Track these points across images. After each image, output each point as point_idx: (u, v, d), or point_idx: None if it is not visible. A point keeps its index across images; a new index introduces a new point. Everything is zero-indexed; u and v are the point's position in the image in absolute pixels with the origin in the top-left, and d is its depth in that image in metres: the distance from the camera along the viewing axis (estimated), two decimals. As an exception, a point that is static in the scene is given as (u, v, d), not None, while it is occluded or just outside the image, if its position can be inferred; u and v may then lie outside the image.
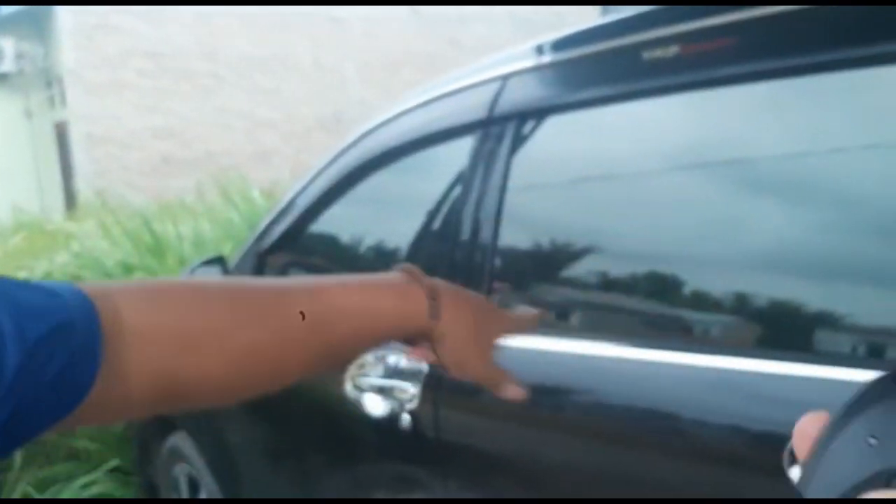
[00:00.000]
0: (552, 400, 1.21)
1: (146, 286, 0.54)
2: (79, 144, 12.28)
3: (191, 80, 13.04)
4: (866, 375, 0.72)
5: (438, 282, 0.65)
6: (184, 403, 0.55)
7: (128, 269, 3.78)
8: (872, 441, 0.18)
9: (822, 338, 1.00)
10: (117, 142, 12.34)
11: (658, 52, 1.15)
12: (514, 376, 0.68)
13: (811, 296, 1.01)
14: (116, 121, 12.34)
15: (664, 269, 1.17)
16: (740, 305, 1.09)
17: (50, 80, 12.74)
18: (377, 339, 0.63)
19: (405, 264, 0.66)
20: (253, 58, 13.27)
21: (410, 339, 0.64)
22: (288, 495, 1.89)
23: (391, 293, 0.63)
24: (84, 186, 11.14)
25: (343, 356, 0.64)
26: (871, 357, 0.94)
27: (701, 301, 1.12)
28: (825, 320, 1.01)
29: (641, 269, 1.21)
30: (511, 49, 1.47)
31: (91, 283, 0.49)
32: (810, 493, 0.18)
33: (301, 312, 0.57)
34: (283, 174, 7.16)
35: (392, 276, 0.65)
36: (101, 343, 0.46)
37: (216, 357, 0.53)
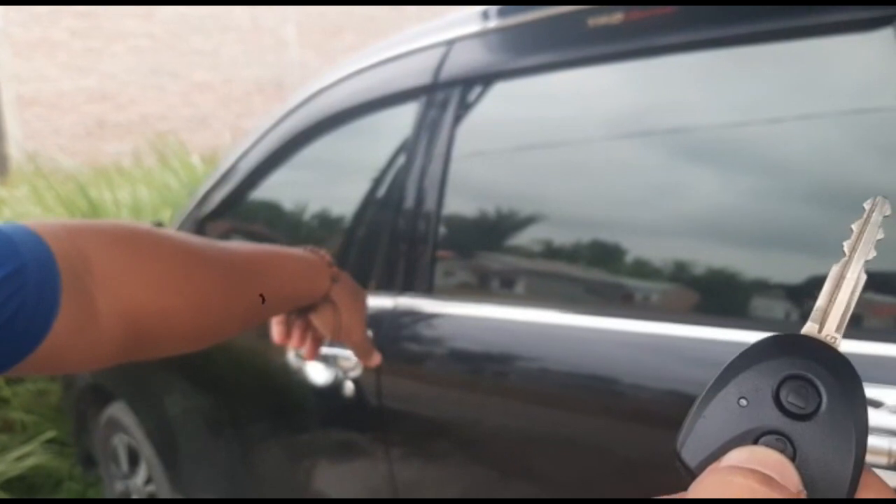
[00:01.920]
0: (495, 367, 1.22)
1: (109, 228, 0.55)
2: (8, 107, 11.82)
3: (124, 41, 12.64)
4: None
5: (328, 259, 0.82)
6: (151, 348, 0.56)
7: (62, 235, 3.67)
8: (743, 402, 0.19)
9: (757, 304, 1.03)
10: (48, 104, 11.93)
11: (602, 19, 1.15)
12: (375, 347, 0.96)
13: (749, 263, 1.04)
14: (47, 82, 11.92)
15: (607, 236, 1.19)
16: (681, 272, 1.11)
17: (-24, 39, 12.19)
18: (297, 297, 0.77)
19: (310, 247, 0.82)
20: (189, 17, 12.91)
21: (314, 304, 0.80)
22: (228, 464, 1.88)
23: (304, 261, 0.78)
24: (15, 151, 10.76)
25: (269, 310, 0.73)
26: (804, 323, 0.97)
27: (642, 268, 1.14)
28: (760, 287, 1.03)
29: (585, 236, 1.22)
30: (456, 13, 1.46)
31: (49, 223, 0.49)
32: (686, 453, 0.19)
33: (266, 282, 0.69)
34: (222, 139, 7.01)
35: (301, 251, 0.80)
36: (60, 287, 0.46)
37: (176, 298, 0.55)
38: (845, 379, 0.19)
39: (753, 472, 0.18)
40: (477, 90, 1.37)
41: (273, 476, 1.70)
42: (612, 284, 1.18)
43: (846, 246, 0.21)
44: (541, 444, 1.14)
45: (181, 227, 2.00)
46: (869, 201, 0.21)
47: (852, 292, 0.21)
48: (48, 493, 2.70)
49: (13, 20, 11.66)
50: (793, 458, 0.18)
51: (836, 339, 0.20)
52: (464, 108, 1.36)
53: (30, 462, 2.61)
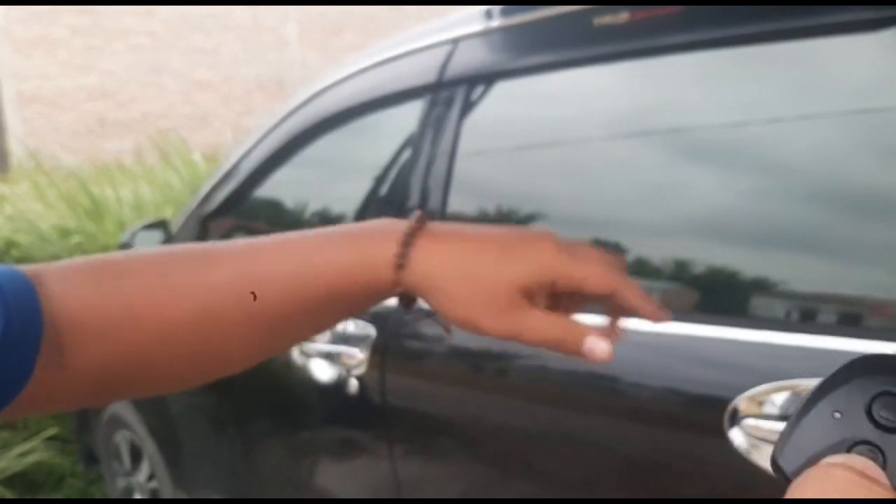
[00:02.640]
0: (497, 365, 1.23)
1: (72, 269, 0.48)
2: (8, 104, 11.82)
3: (125, 39, 12.63)
4: (800, 340, 0.73)
5: (433, 225, 0.49)
6: (126, 391, 0.51)
7: (64, 232, 3.67)
8: (837, 415, 0.21)
9: (757, 303, 1.03)
10: (49, 102, 11.92)
11: (608, 19, 1.15)
12: (580, 325, 0.48)
13: (749, 262, 1.04)
14: (47, 80, 11.91)
15: (613, 234, 1.19)
16: (682, 271, 1.11)
17: (-24, 37, 12.19)
18: (321, 304, 0.49)
19: (418, 211, 0.51)
20: (190, 16, 12.90)
21: (400, 298, 0.50)
22: (230, 461, 1.88)
23: (342, 244, 0.49)
24: (16, 147, 10.76)
25: (283, 330, 0.50)
26: (803, 322, 0.97)
27: (644, 267, 1.14)
28: (760, 286, 1.04)
29: (590, 234, 1.23)
30: (461, 12, 1.46)
31: (46, 271, 0.46)
32: (783, 459, 0.21)
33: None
34: (223, 137, 7.02)
35: (366, 224, 0.51)
36: (41, 337, 0.43)
37: (132, 341, 0.46)
38: None
39: (852, 467, 0.20)
40: (481, 89, 1.38)
41: (276, 473, 1.71)
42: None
43: None
44: (543, 442, 1.14)
45: (184, 226, 2.01)
46: None
47: None
48: (50, 489, 2.71)
49: (13, 17, 11.66)
50: (883, 467, 0.20)
51: None
52: (468, 106, 1.37)
53: (32, 459, 2.61)
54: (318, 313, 0.50)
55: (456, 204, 1.38)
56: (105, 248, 3.37)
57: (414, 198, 1.41)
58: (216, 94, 13.09)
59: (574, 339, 0.47)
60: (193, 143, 6.24)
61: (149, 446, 2.12)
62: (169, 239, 1.91)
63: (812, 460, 0.20)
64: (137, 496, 2.25)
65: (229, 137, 6.38)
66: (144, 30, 12.67)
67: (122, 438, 2.28)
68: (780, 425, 0.87)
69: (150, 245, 1.86)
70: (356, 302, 0.50)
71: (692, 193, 1.11)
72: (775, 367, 0.92)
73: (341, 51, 11.95)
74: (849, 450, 0.21)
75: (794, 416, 0.22)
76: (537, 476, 1.16)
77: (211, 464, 1.97)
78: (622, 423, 1.06)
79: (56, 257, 3.57)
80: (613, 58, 1.19)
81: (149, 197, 4.09)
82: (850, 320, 0.96)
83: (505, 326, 0.47)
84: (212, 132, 10.59)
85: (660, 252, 1.13)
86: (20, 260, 3.33)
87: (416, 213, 0.49)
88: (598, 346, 0.46)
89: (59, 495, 2.68)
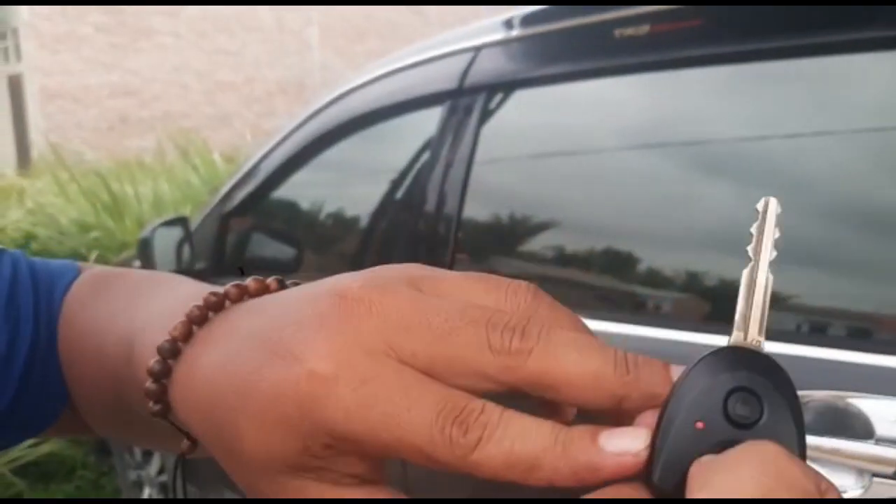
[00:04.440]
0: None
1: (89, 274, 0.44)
2: (32, 99, 11.96)
3: (149, 38, 12.76)
4: (808, 352, 0.75)
5: (235, 309, 0.29)
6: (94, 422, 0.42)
7: (84, 227, 3.72)
8: (699, 426, 0.21)
9: (769, 316, 1.04)
10: (72, 97, 12.05)
11: (629, 31, 1.17)
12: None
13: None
14: (71, 76, 12.04)
15: (628, 245, 1.20)
16: (694, 282, 1.12)
17: (4, 32, 12.36)
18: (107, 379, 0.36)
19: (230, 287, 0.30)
20: (214, 17, 13.01)
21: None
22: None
23: (157, 305, 0.34)
24: (38, 142, 10.89)
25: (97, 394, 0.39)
26: (813, 334, 0.98)
27: (658, 277, 1.15)
28: (773, 300, 1.05)
29: (606, 244, 1.24)
30: (483, 21, 1.48)
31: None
32: (662, 480, 0.21)
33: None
34: (243, 138, 7.08)
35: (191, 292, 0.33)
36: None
37: (87, 361, 0.39)
38: (778, 380, 0.21)
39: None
40: (501, 97, 1.39)
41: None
42: (625, 292, 1.20)
43: (750, 250, 0.22)
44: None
45: (203, 223, 2.03)
46: (761, 202, 0.23)
47: (765, 294, 0.22)
48: (61, 480, 2.74)
49: (39, 13, 11.80)
50: None
51: (760, 342, 0.22)
52: (488, 114, 1.38)
53: (44, 449, 2.64)
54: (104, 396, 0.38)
55: (472, 209, 1.39)
56: (123, 245, 3.41)
57: (431, 202, 1.43)
58: (238, 95, 13.19)
59: None
60: (214, 143, 6.29)
61: (160, 440, 2.14)
62: (188, 235, 1.94)
63: (685, 472, 0.20)
64: (147, 490, 2.28)
65: (248, 138, 6.43)
66: (169, 30, 12.79)
67: (134, 431, 2.30)
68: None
69: (168, 240, 1.89)
70: (130, 395, 0.33)
71: (706, 205, 1.12)
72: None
73: (363, 56, 12.02)
74: (720, 450, 0.21)
75: (659, 434, 0.21)
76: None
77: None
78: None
79: (75, 251, 3.61)
80: (633, 69, 1.21)
81: (168, 195, 4.14)
82: (859, 334, 0.96)
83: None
84: (232, 132, 10.67)
85: (672, 263, 1.14)
86: (38, 253, 3.37)
87: (225, 288, 0.29)
88: None
89: (69, 486, 2.71)
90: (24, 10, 11.77)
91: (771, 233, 0.23)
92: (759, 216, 0.23)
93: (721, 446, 0.20)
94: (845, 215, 1.01)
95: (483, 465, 0.22)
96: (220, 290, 0.29)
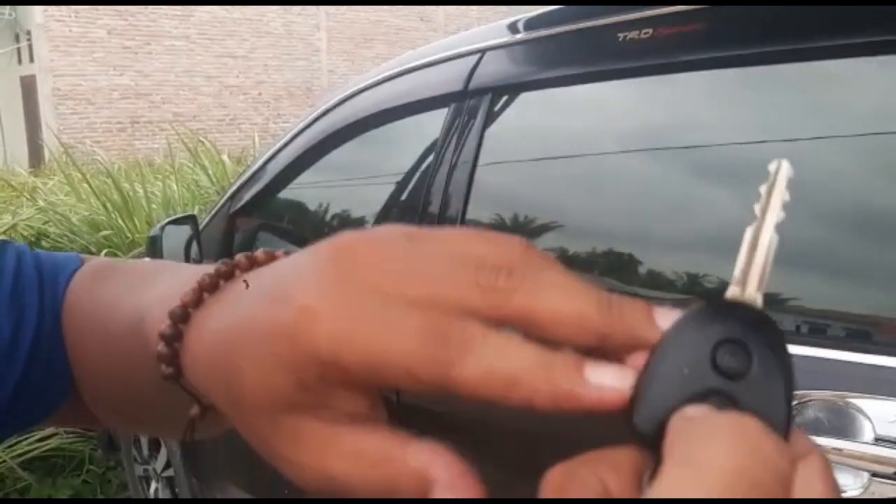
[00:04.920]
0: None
1: (90, 265, 0.45)
2: (45, 100, 12.04)
3: (161, 42, 12.82)
4: (808, 352, 0.75)
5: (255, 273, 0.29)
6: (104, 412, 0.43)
7: (94, 226, 3.75)
8: (685, 370, 0.21)
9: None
10: (84, 99, 12.11)
11: (633, 34, 1.18)
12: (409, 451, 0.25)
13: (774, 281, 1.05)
14: (84, 78, 12.11)
15: (630, 247, 1.21)
16: (694, 286, 1.13)
17: (17, 34, 12.44)
18: (121, 349, 0.37)
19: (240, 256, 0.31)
20: (224, 21, 13.07)
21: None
22: (247, 453, 1.92)
23: (175, 279, 0.35)
24: (50, 142, 10.99)
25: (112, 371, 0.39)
26: (812, 335, 0.99)
27: (659, 280, 1.16)
28: (772, 303, 1.05)
29: (608, 246, 1.25)
30: (488, 25, 1.50)
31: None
32: (640, 420, 0.21)
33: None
34: (252, 141, 7.12)
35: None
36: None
37: (92, 345, 0.40)
38: (770, 335, 0.21)
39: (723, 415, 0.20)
40: (505, 100, 1.40)
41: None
42: (626, 294, 1.21)
43: (757, 209, 0.22)
44: (552, 444, 1.16)
45: (211, 222, 2.05)
46: (773, 163, 0.23)
47: (767, 253, 0.22)
48: (68, 474, 2.76)
49: (52, 15, 11.88)
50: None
51: (757, 298, 0.22)
52: (492, 116, 1.40)
53: (52, 444, 2.67)
54: (120, 364, 0.37)
55: (476, 211, 1.40)
56: (133, 243, 3.44)
57: (435, 204, 1.44)
58: (246, 98, 13.24)
59: (391, 478, 0.24)
60: (222, 145, 6.33)
61: (166, 436, 2.16)
62: (196, 233, 1.96)
63: (669, 413, 0.20)
64: (153, 484, 2.29)
65: (257, 140, 6.46)
66: (180, 33, 12.86)
67: (140, 428, 2.32)
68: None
69: (177, 238, 1.90)
70: (140, 369, 0.34)
71: (708, 208, 1.13)
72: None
73: (370, 60, 12.06)
74: (702, 400, 0.21)
75: (644, 377, 0.21)
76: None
77: (227, 454, 2.01)
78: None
79: (85, 249, 3.62)
80: (636, 73, 1.22)
81: (177, 195, 4.16)
82: (856, 335, 0.97)
83: (285, 458, 0.26)
84: (241, 135, 10.72)
85: (673, 265, 1.15)
86: (49, 251, 3.40)
87: (236, 258, 0.31)
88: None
89: (76, 481, 2.73)
90: (37, 13, 11.85)
91: (780, 194, 0.23)
92: (771, 177, 0.23)
93: (706, 395, 0.20)
94: (845, 219, 1.02)
95: (463, 381, 0.22)
96: (230, 261, 0.30)
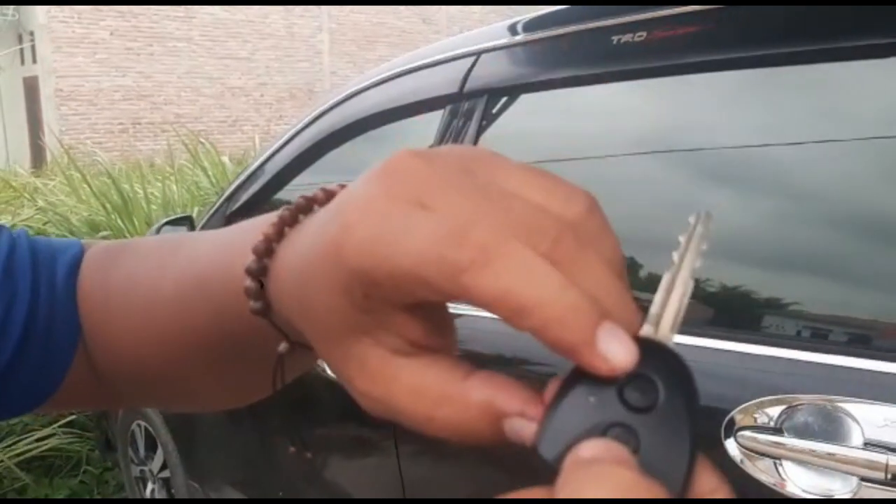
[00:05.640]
0: (506, 369, 1.25)
1: (101, 246, 0.45)
2: (47, 100, 12.06)
3: (163, 43, 12.85)
4: (812, 357, 0.75)
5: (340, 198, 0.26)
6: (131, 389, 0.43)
7: (94, 226, 3.76)
8: (592, 399, 0.21)
9: (770, 321, 1.04)
10: (85, 100, 12.14)
11: (627, 37, 1.18)
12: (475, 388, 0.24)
13: (764, 282, 1.05)
14: (86, 79, 12.14)
15: (627, 250, 1.21)
16: (696, 289, 1.13)
17: (20, 34, 12.47)
18: (190, 295, 0.37)
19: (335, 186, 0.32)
20: (227, 23, 13.09)
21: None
22: (243, 454, 1.92)
23: (243, 230, 0.35)
24: (52, 143, 11.01)
25: (181, 319, 0.37)
26: (813, 339, 0.98)
27: (658, 282, 1.16)
28: (773, 305, 1.05)
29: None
30: (484, 28, 1.50)
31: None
32: (544, 447, 0.21)
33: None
34: (253, 142, 7.13)
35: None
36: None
37: (126, 318, 0.41)
38: (679, 374, 0.21)
39: (604, 459, 0.20)
40: (500, 101, 1.41)
41: (286, 465, 1.74)
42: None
43: (675, 256, 0.23)
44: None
45: (208, 222, 2.06)
46: (693, 216, 0.24)
47: (682, 297, 0.23)
48: (66, 474, 2.76)
49: (55, 16, 11.91)
50: (636, 449, 0.21)
51: (670, 338, 0.22)
52: (487, 118, 1.40)
53: (50, 444, 2.67)
54: (191, 310, 0.37)
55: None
56: (132, 244, 3.44)
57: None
58: (248, 99, 13.25)
59: (456, 416, 0.23)
60: (224, 147, 6.34)
61: (163, 436, 2.16)
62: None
63: (571, 446, 0.21)
64: (150, 485, 2.30)
65: (258, 142, 6.48)
66: (182, 35, 12.88)
67: (138, 427, 2.32)
68: (774, 438, 0.89)
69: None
70: (219, 305, 0.34)
71: (703, 210, 1.13)
72: (779, 382, 0.93)
73: (372, 62, 12.07)
74: (604, 433, 0.21)
75: (552, 402, 0.22)
76: (542, 479, 1.18)
77: (223, 455, 2.01)
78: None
79: (84, 250, 3.66)
80: (631, 75, 1.22)
81: (177, 196, 4.17)
82: (856, 340, 0.97)
83: (359, 388, 0.25)
84: (242, 136, 10.73)
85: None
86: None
87: (314, 192, 0.31)
88: (521, 429, 0.23)
89: (74, 481, 2.73)
90: (40, 14, 11.88)
91: (699, 244, 0.24)
92: (690, 227, 0.24)
93: (610, 427, 0.21)
94: (840, 222, 1.02)
95: (473, 290, 0.21)
96: (309, 195, 0.31)
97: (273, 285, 0.29)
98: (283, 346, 0.32)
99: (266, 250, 0.30)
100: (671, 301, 0.23)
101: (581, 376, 0.21)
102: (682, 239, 0.24)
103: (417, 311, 0.23)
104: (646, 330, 0.22)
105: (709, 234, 0.24)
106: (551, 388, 0.22)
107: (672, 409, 0.21)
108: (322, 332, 0.25)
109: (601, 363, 0.21)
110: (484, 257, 0.21)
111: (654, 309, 0.23)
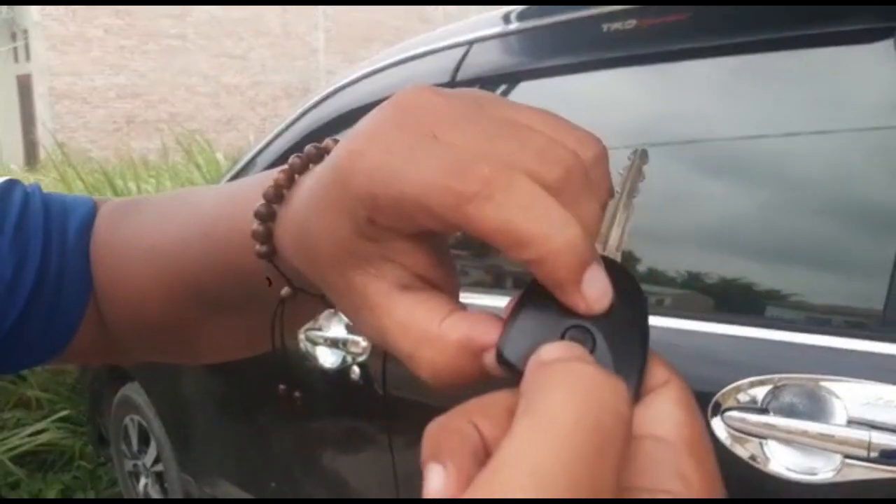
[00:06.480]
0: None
1: (113, 203, 0.47)
2: (42, 99, 12.04)
3: (157, 41, 12.82)
4: (808, 339, 0.75)
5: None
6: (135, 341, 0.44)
7: (86, 223, 3.76)
8: (552, 305, 0.22)
9: (767, 309, 1.05)
10: (80, 98, 12.11)
11: (617, 25, 1.19)
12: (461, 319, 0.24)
13: (760, 272, 1.06)
14: (80, 77, 12.11)
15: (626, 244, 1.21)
16: (693, 279, 1.13)
17: (14, 32, 12.44)
18: (198, 241, 0.38)
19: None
20: (222, 21, 13.07)
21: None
22: (236, 446, 1.92)
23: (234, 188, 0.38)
24: (46, 140, 10.98)
25: (188, 269, 0.39)
26: (810, 323, 0.99)
27: (655, 273, 1.16)
28: (770, 294, 1.06)
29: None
30: (476, 17, 1.50)
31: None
32: (508, 350, 0.22)
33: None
34: (248, 141, 7.12)
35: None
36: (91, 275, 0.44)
37: (136, 268, 0.42)
38: (627, 282, 0.23)
39: (566, 357, 0.21)
40: (493, 91, 1.41)
41: (280, 458, 1.75)
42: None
43: (618, 186, 0.25)
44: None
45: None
46: (631, 153, 0.27)
47: (625, 221, 0.25)
48: (59, 469, 2.76)
49: (49, 14, 11.88)
50: (592, 350, 0.22)
51: (617, 256, 0.24)
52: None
53: (43, 438, 2.67)
54: (194, 257, 0.38)
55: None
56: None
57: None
58: (243, 98, 13.24)
59: (436, 356, 0.24)
60: (218, 145, 6.33)
61: (156, 430, 2.16)
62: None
63: (533, 348, 0.21)
64: (143, 479, 2.30)
65: (252, 141, 6.48)
66: (177, 33, 12.86)
67: (131, 422, 2.33)
68: (760, 418, 0.89)
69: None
70: (223, 252, 0.36)
71: (695, 200, 1.14)
72: (762, 362, 0.94)
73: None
74: (562, 336, 0.22)
75: (515, 306, 0.23)
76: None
77: (216, 448, 2.01)
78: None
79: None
80: (621, 62, 1.23)
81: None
82: (842, 322, 0.98)
83: (360, 319, 0.26)
84: (237, 135, 10.71)
85: (664, 259, 1.15)
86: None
87: (325, 142, 0.32)
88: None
89: (67, 476, 2.73)
90: (34, 12, 11.85)
91: (637, 176, 0.26)
92: (630, 163, 0.27)
93: (568, 330, 0.22)
94: (839, 210, 1.02)
95: (475, 221, 0.21)
96: (319, 145, 0.31)
97: (280, 230, 0.30)
98: (285, 291, 0.33)
99: (276, 195, 0.31)
100: (615, 224, 0.25)
101: (541, 287, 0.22)
102: (622, 171, 0.26)
103: (420, 242, 0.24)
104: (596, 249, 0.24)
105: (644, 169, 0.27)
106: (514, 299, 0.23)
107: (624, 315, 0.22)
108: (326, 262, 0.26)
109: (580, 302, 0.22)
110: (488, 189, 0.21)
111: (602, 230, 0.24)
